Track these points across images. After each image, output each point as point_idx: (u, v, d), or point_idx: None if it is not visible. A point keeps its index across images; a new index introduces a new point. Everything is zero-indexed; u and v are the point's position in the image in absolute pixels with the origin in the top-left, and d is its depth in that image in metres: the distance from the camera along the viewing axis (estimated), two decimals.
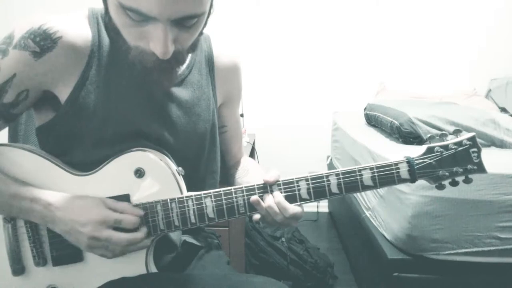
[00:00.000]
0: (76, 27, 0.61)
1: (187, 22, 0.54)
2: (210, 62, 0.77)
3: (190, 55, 0.72)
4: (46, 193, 0.60)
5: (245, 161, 0.91)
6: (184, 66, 0.71)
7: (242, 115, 1.92)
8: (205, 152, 0.77)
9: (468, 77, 2.44)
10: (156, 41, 0.53)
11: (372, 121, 1.88)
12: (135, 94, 0.65)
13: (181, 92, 0.71)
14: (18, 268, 0.63)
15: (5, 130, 0.87)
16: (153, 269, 0.66)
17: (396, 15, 2.41)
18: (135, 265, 0.65)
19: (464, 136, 0.67)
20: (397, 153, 1.29)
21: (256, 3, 2.43)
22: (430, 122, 1.39)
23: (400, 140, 1.49)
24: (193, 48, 0.62)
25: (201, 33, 0.62)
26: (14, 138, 0.86)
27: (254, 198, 0.63)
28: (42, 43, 0.57)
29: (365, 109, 2.00)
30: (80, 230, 0.58)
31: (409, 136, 1.42)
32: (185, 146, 0.71)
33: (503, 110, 2.07)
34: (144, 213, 0.63)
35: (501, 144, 1.37)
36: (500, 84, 2.29)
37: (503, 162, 1.14)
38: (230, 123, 0.85)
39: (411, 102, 1.81)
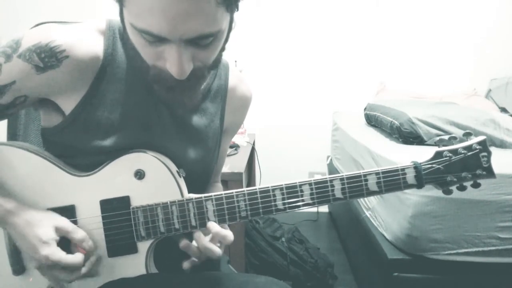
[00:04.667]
0: (86, 43, 0.59)
1: (202, 41, 0.52)
2: (223, 92, 0.76)
3: (207, 80, 0.70)
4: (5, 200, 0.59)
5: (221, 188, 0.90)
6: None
7: None
8: (199, 177, 0.76)
9: (468, 77, 2.44)
10: (171, 62, 0.52)
11: (372, 121, 1.88)
12: (143, 113, 0.65)
13: (190, 118, 0.71)
14: (18, 267, 0.63)
15: (4, 131, 0.87)
16: (153, 269, 0.66)
17: (396, 15, 2.41)
18: (135, 265, 0.64)
19: (474, 140, 0.66)
20: (398, 153, 1.31)
21: (256, 3, 2.42)
22: (430, 122, 1.39)
23: (400, 140, 1.49)
24: (215, 65, 0.60)
25: (223, 49, 0.60)
26: (13, 139, 0.86)
27: (185, 243, 0.63)
28: (47, 59, 0.56)
29: (365, 109, 2.00)
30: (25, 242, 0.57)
31: (409, 136, 1.42)
32: (185, 170, 0.70)
33: (503, 110, 2.07)
34: (87, 250, 0.61)
35: (501, 144, 1.37)
36: (500, 84, 2.29)
37: (503, 162, 1.14)
38: (220, 149, 0.83)
39: (411, 102, 1.81)
